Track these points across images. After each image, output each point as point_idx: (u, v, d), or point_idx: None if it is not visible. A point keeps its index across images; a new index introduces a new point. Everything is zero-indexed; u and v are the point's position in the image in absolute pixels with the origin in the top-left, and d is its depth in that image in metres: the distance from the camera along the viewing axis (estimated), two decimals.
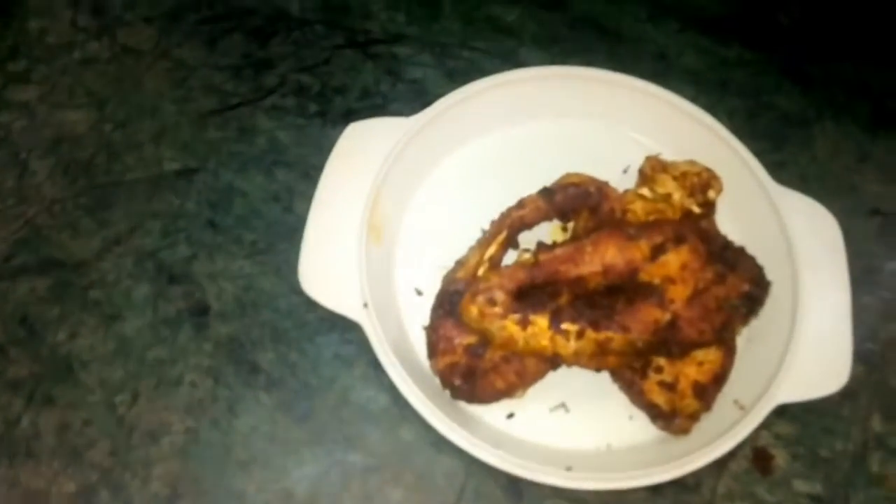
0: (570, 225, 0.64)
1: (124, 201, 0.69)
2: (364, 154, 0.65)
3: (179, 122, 0.74)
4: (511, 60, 0.77)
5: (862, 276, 0.64)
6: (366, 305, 0.59)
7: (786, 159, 0.72)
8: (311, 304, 0.61)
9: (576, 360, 0.56)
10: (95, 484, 0.58)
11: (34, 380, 0.62)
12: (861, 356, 0.60)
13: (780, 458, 0.59)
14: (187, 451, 0.59)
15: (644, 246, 0.56)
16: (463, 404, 0.59)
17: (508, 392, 0.58)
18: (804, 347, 0.58)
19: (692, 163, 0.64)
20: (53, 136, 0.73)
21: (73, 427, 0.60)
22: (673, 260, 0.56)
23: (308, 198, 0.64)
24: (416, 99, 0.74)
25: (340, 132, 0.66)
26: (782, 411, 0.58)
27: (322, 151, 0.66)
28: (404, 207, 0.68)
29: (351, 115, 0.72)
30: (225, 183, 0.70)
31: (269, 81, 0.76)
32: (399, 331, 0.62)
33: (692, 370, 0.57)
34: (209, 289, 0.66)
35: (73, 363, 0.63)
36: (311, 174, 0.69)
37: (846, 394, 0.58)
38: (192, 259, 0.67)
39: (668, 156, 0.65)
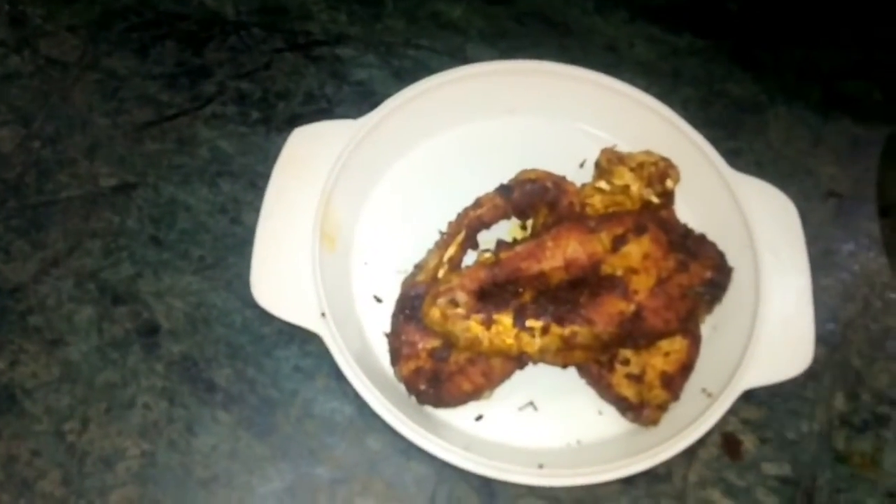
0: (530, 223, 0.69)
1: (60, 221, 0.72)
2: (311, 160, 0.69)
3: (113, 135, 0.77)
4: (458, 57, 0.82)
5: (820, 259, 0.71)
6: (323, 315, 0.63)
7: (741, 146, 0.78)
8: (267, 318, 0.64)
9: (542, 356, 0.60)
10: None
11: None
12: (822, 338, 0.66)
13: (749, 442, 0.65)
14: (145, 475, 0.63)
15: (605, 238, 0.61)
16: (430, 409, 0.64)
17: (475, 394, 0.62)
18: (768, 332, 0.63)
19: (648, 153, 0.69)
20: None
21: (21, 458, 0.63)
22: (634, 250, 0.61)
23: (256, 208, 0.67)
24: (362, 101, 0.78)
25: (285, 139, 0.70)
26: (748, 396, 0.63)
27: (268, 159, 0.70)
28: (358, 213, 0.72)
29: (295, 121, 0.75)
30: (167, 197, 0.74)
31: (206, 89, 0.80)
32: (360, 339, 0.67)
33: (659, 361, 0.63)
34: (157, 308, 0.69)
35: (15, 392, 0.66)
36: (257, 183, 0.73)
37: (810, 375, 0.64)
38: (136, 278, 0.70)
39: (623, 147, 0.71)
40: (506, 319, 0.59)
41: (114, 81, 0.80)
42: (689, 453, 0.63)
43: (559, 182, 0.67)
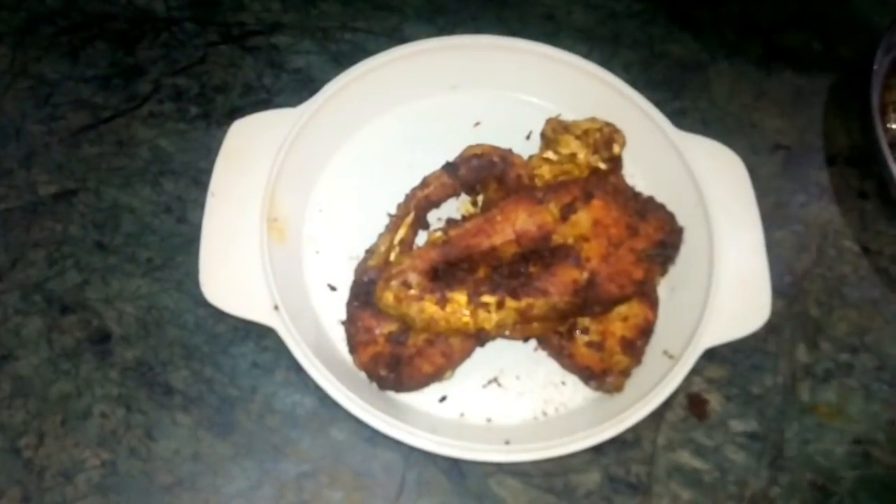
0: (480, 198, 0.68)
1: (0, 234, 0.70)
2: (253, 151, 0.67)
3: (49, 142, 0.74)
4: (396, 37, 0.80)
5: (772, 212, 0.70)
6: (276, 308, 0.61)
7: (685, 106, 0.78)
8: (220, 315, 0.63)
9: (500, 331, 0.59)
10: None
11: None
12: (780, 290, 0.65)
13: (714, 401, 0.65)
14: (106, 486, 0.61)
15: (553, 208, 0.60)
16: (392, 394, 0.62)
17: (437, 375, 0.61)
18: (724, 289, 0.63)
19: (593, 119, 0.68)
20: None
21: None
22: (584, 218, 0.60)
23: (201, 205, 0.65)
24: (303, 88, 0.76)
25: (226, 132, 0.68)
26: (711, 355, 0.63)
27: (210, 155, 0.68)
28: (305, 202, 0.70)
29: (235, 114, 0.73)
30: (109, 201, 0.72)
31: (142, 89, 0.77)
32: (317, 330, 0.65)
33: (618, 326, 0.62)
34: (107, 314, 0.67)
35: None
36: (201, 180, 0.71)
37: (770, 329, 0.64)
38: (83, 285, 0.68)
39: (568, 116, 0.70)
40: (460, 297, 0.58)
41: (45, 87, 0.77)
42: (656, 417, 0.62)
43: (506, 155, 0.66)
